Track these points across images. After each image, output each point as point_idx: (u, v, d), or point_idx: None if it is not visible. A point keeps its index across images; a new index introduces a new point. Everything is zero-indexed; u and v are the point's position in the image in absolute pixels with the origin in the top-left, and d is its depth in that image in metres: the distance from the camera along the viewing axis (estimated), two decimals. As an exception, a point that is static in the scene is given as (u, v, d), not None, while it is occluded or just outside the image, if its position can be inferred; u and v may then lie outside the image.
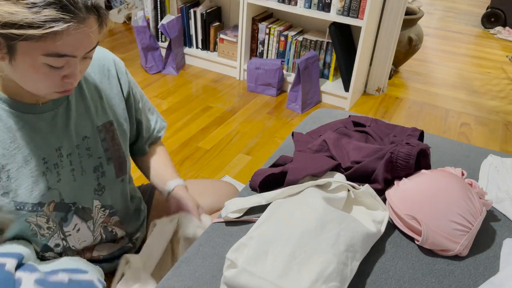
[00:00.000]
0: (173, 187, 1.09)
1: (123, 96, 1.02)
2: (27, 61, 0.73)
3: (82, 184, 0.94)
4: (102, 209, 1.00)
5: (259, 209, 0.90)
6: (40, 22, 0.67)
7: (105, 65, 0.98)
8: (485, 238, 0.89)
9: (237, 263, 0.71)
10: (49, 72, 0.75)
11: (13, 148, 0.83)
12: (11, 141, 0.82)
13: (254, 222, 0.88)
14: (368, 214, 0.88)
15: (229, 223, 0.89)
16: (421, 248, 0.86)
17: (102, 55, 0.98)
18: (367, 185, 0.90)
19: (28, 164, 0.85)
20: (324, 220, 0.78)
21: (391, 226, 0.90)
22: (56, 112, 0.88)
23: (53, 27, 0.68)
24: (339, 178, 0.93)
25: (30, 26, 0.67)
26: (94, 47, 0.78)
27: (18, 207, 0.86)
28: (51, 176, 0.88)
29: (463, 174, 0.95)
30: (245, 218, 0.90)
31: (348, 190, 0.91)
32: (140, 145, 1.15)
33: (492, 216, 0.95)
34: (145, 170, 1.17)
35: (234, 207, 0.89)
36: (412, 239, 0.88)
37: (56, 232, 0.94)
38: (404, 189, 0.90)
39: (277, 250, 0.73)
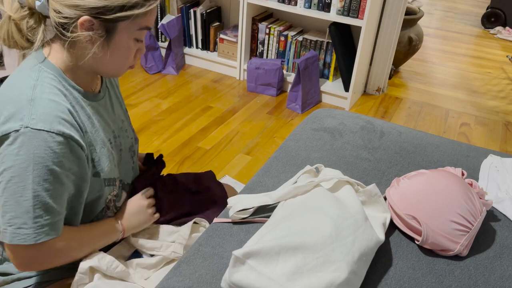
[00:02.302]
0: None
1: (119, 92, 1.11)
2: (124, 38, 0.84)
3: (125, 162, 1.03)
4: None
5: (263, 209, 0.90)
6: (142, 1, 0.81)
7: None
8: (485, 238, 0.89)
9: (246, 261, 0.70)
10: (133, 47, 0.87)
11: (94, 132, 0.90)
12: (92, 126, 0.89)
13: (259, 222, 0.88)
14: (375, 218, 0.87)
15: (229, 222, 0.89)
16: (421, 248, 0.86)
17: None
18: (373, 184, 0.89)
19: (104, 145, 0.93)
20: (339, 227, 0.76)
21: (391, 226, 0.90)
22: (105, 99, 0.97)
23: (152, 4, 0.82)
24: (335, 173, 0.91)
25: (134, 6, 0.80)
26: None
27: (106, 184, 0.94)
28: (114, 156, 0.97)
29: (463, 174, 0.95)
30: (251, 218, 0.89)
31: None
32: None
33: (492, 216, 0.95)
34: None
35: (240, 206, 0.89)
36: (412, 239, 0.88)
37: (112, 209, 1.02)
38: (404, 189, 0.90)
39: (289, 253, 0.71)
